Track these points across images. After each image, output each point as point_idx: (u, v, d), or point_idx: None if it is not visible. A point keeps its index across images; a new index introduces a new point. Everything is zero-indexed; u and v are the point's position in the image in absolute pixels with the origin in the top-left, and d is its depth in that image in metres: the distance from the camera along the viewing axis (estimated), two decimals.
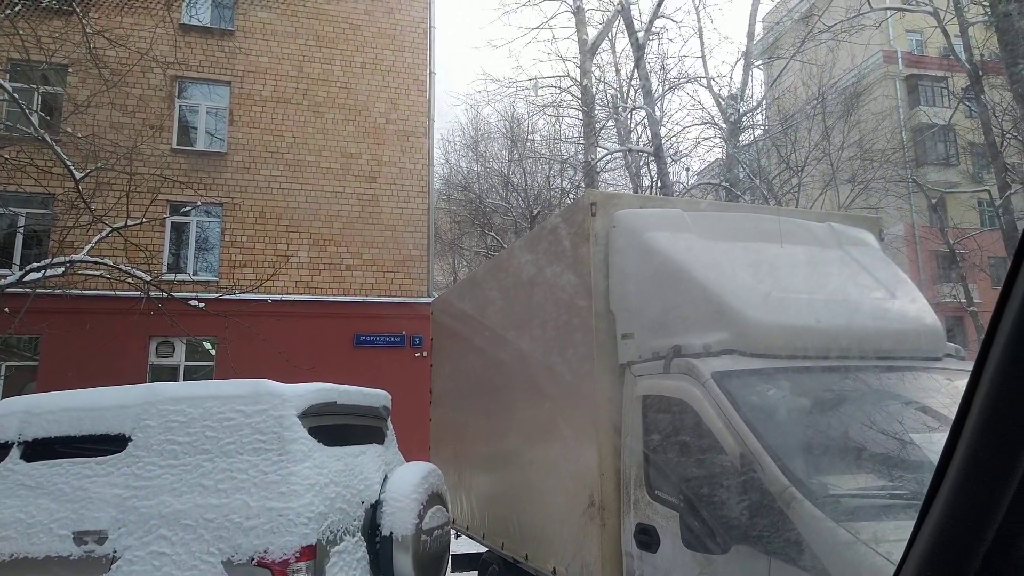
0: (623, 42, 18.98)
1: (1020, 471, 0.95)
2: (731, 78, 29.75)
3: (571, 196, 20.93)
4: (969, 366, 3.75)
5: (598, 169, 18.97)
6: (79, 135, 12.11)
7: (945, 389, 3.49)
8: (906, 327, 3.94)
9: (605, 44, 19.33)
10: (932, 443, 3.00)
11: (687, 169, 21.00)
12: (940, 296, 23.23)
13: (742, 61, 18.34)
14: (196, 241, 16.04)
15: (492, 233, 23.88)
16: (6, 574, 4.14)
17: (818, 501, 2.78)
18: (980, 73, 15.86)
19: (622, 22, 17.32)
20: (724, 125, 17.73)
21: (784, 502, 2.84)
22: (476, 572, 6.79)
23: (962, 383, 3.22)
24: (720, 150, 19.19)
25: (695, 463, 3.51)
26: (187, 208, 15.13)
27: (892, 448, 3.14)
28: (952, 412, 3.10)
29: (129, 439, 4.36)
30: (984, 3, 12.77)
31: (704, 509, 3.29)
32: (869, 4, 15.90)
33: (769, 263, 4.14)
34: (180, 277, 13.88)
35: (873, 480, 3.06)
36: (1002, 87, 14.61)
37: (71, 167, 10.48)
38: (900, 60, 28.74)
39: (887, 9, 18.47)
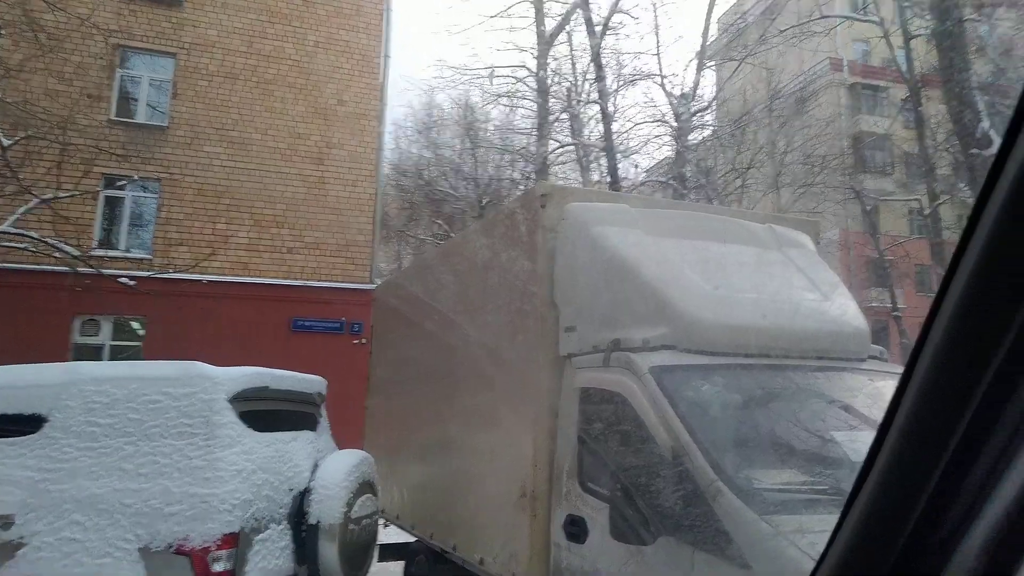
0: (580, 35, 19.01)
1: (939, 471, 1.00)
2: (683, 77, 30.21)
3: (522, 187, 20.91)
4: (891, 368, 3.88)
5: (550, 162, 19.00)
6: (9, 100, 11.51)
7: (867, 389, 3.60)
8: (836, 329, 4.04)
9: (562, 36, 19.35)
10: (852, 441, 3.08)
11: (636, 166, 21.24)
12: (868, 300, 24.06)
13: (695, 61, 18.57)
14: (130, 217, 15.47)
15: (440, 221, 23.72)
16: None
17: (743, 495, 2.83)
18: (919, 86, 16.46)
19: (580, 15, 17.35)
20: (675, 124, 17.95)
21: (710, 495, 2.88)
22: (403, 562, 6.74)
23: (883, 384, 3.30)
24: (670, 148, 19.44)
25: (628, 456, 3.53)
26: (123, 182, 14.56)
27: (815, 445, 3.22)
28: (872, 411, 3.17)
29: (45, 419, 4.17)
30: (926, 17, 13.24)
31: (633, 501, 3.32)
32: (820, 11, 16.31)
33: (711, 261, 4.19)
34: (111, 253, 13.38)
35: (796, 476, 3.13)
36: (938, 100, 15.18)
37: None
38: (846, 68, 29.58)
39: (836, 17, 19.01)
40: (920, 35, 16.01)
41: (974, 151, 8.29)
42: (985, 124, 8.29)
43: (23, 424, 4.19)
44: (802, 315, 4.01)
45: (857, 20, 20.35)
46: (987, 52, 16.34)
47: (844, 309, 4.21)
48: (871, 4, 18.64)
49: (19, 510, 3.91)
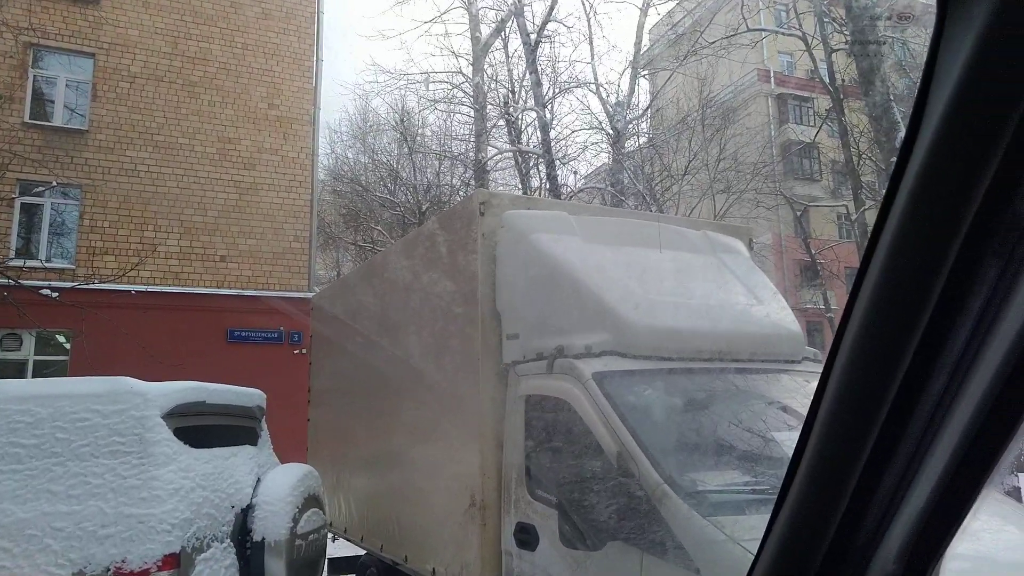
0: (516, 42, 19.19)
1: (857, 474, 1.02)
2: (619, 86, 30.68)
3: (461, 193, 20.89)
4: None
5: (488, 168, 19.05)
6: None
7: (803, 390, 3.74)
8: (771, 332, 4.19)
9: (498, 43, 19.46)
10: (791, 441, 3.19)
11: (575, 172, 21.44)
12: (801, 302, 24.97)
13: (629, 70, 18.96)
14: (50, 225, 14.73)
15: (379, 228, 23.45)
16: None
17: (688, 497, 2.90)
18: (841, 96, 17.21)
19: (515, 23, 17.49)
20: (611, 131, 18.27)
21: (657, 499, 2.94)
22: (353, 575, 6.64)
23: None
24: (607, 155, 19.76)
25: (574, 462, 3.57)
26: (40, 188, 13.84)
27: (756, 445, 3.33)
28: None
29: None
30: (845, 32, 13.88)
31: (582, 507, 3.36)
32: (746, 24, 16.90)
33: (649, 268, 4.29)
34: (30, 263, 12.69)
35: (738, 476, 3.23)
36: (860, 110, 15.91)
37: None
38: (772, 79, 30.67)
39: (762, 30, 19.71)
40: (840, 49, 16.76)
41: (893, 159, 8.71)
42: (903, 134, 8.74)
43: None
44: (738, 319, 4.15)
45: (781, 34, 21.14)
46: (902, 66, 17.25)
47: (778, 312, 4.36)
48: (794, 19, 19.41)
49: None
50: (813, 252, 20.78)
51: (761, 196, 21.65)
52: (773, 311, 4.35)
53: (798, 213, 21.70)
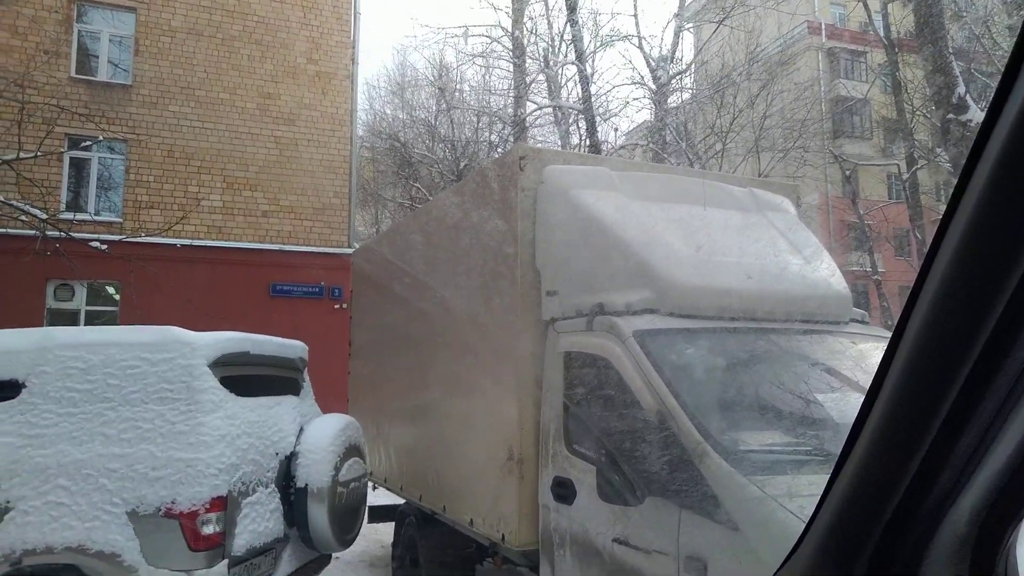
0: None
1: (930, 436, 0.98)
2: (662, 39, 29.90)
3: (499, 150, 20.71)
4: (873, 331, 3.93)
5: (527, 124, 18.81)
6: None
7: (850, 352, 3.66)
8: (818, 292, 4.08)
9: None
10: (836, 403, 3.14)
11: (615, 129, 21.06)
12: (848, 264, 24.38)
13: (673, 22, 18.40)
14: (98, 179, 15.04)
15: (417, 184, 23.45)
16: None
17: (729, 457, 2.88)
18: (896, 50, 16.48)
19: None
20: (653, 86, 17.85)
21: (697, 457, 2.92)
22: (393, 524, 6.81)
23: (865, 346, 3.34)
24: (648, 111, 19.34)
25: (613, 418, 3.57)
26: (88, 143, 14.10)
27: (799, 407, 3.27)
28: (855, 374, 3.20)
29: (23, 386, 4.11)
30: None
31: (620, 463, 3.36)
32: None
33: (692, 225, 4.20)
34: (80, 216, 13.03)
35: (781, 437, 3.19)
36: (915, 65, 15.25)
37: None
38: (823, 32, 29.50)
39: None
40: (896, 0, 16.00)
41: (950, 116, 8.32)
42: (961, 89, 8.32)
43: (1, 390, 4.14)
44: (784, 278, 4.05)
45: None
46: (963, 17, 16.41)
47: (825, 273, 4.25)
48: None
49: (2, 476, 3.88)
50: (861, 212, 20.18)
51: (808, 154, 21.03)
52: (820, 271, 4.24)
53: (847, 172, 21.02)
